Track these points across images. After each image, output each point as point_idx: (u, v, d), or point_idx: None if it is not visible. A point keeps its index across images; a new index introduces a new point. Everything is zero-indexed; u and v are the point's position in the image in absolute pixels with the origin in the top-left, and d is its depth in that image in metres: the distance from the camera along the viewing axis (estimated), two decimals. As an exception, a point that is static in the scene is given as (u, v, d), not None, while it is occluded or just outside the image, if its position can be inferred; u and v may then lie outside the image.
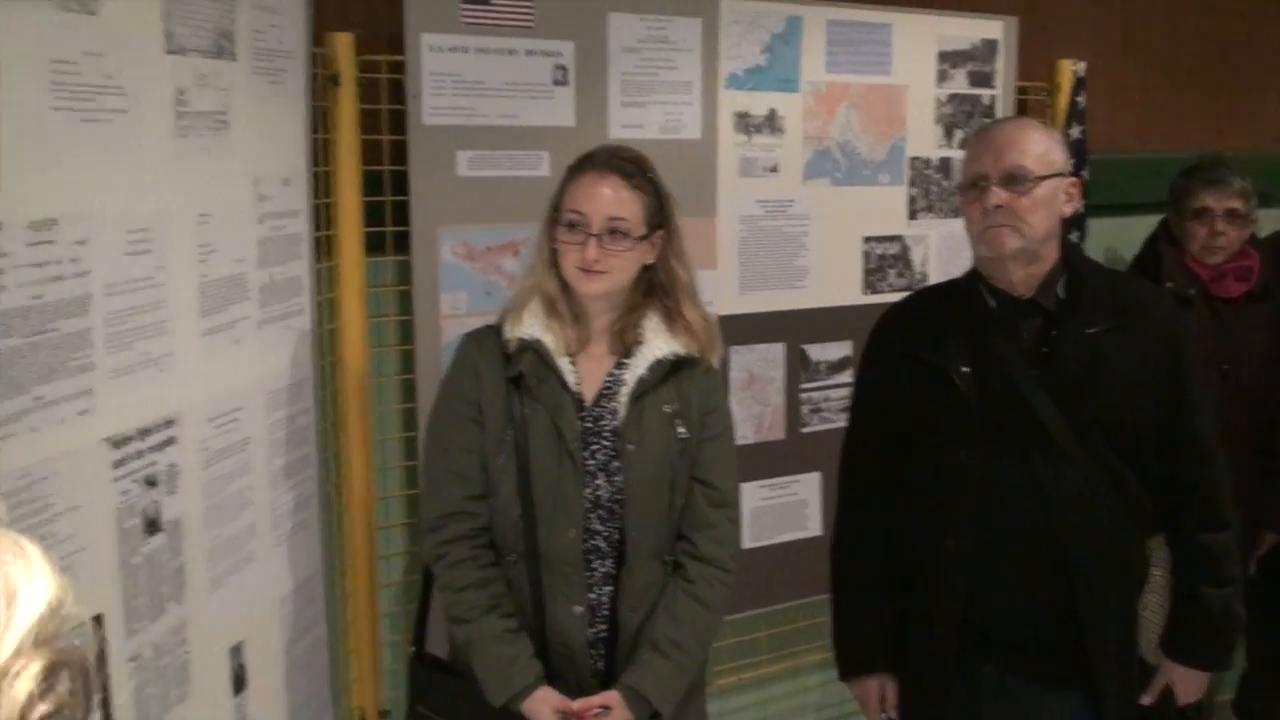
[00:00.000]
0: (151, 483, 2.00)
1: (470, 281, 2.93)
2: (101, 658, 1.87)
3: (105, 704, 1.88)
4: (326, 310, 2.75)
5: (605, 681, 2.34)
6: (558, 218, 2.29)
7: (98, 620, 1.87)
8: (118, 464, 1.91)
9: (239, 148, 2.23)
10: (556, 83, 3.00)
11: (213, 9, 2.10)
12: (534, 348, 2.29)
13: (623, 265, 2.27)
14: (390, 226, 2.85)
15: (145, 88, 1.92)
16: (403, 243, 2.86)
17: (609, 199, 2.25)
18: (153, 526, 2.01)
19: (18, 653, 0.56)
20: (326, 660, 2.66)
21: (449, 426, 2.34)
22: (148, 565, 1.99)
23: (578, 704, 2.29)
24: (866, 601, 2.55)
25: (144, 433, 1.97)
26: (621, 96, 3.10)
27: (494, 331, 2.35)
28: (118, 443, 1.91)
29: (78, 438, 1.81)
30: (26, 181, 1.68)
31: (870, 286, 3.58)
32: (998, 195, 2.29)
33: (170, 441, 2.05)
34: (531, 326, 2.30)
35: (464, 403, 2.32)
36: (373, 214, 2.82)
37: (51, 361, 1.74)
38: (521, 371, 2.28)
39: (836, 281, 3.52)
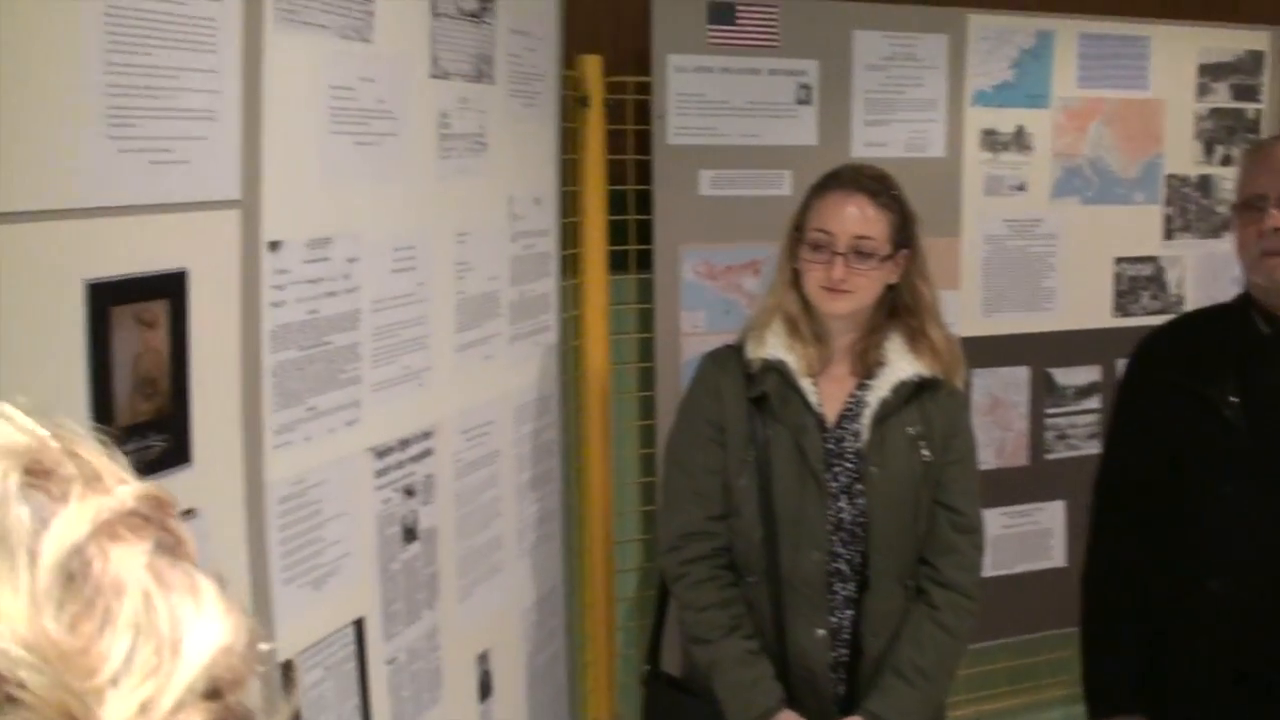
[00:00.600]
0: (410, 492, 2.07)
1: (710, 300, 2.94)
2: (361, 660, 1.94)
3: (364, 705, 1.95)
4: (571, 327, 2.80)
5: (846, 707, 2.30)
6: (800, 237, 2.27)
7: (359, 624, 1.94)
8: (380, 473, 1.98)
9: (495, 168, 2.29)
10: (800, 101, 2.99)
11: (474, 34, 2.17)
12: (777, 368, 2.28)
13: (868, 284, 2.24)
14: (633, 245, 2.88)
15: (412, 111, 2.00)
16: (645, 261, 2.89)
17: (855, 217, 2.23)
18: (410, 535, 2.08)
19: (178, 706, 0.49)
20: (565, 672, 2.70)
21: (691, 447, 2.34)
22: (405, 572, 2.06)
23: None
24: (1120, 639, 2.44)
25: (404, 443, 2.05)
26: (865, 114, 3.07)
27: (734, 351, 2.35)
28: (381, 453, 1.98)
29: (345, 447, 1.89)
30: (306, 202, 1.76)
31: (1121, 309, 3.44)
32: (1276, 217, 2.16)
33: (428, 453, 2.12)
34: (774, 347, 2.29)
35: (706, 423, 2.32)
36: (616, 233, 2.86)
37: (324, 374, 1.82)
38: (765, 392, 2.27)
39: (1085, 303, 3.39)
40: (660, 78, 2.84)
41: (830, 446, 2.28)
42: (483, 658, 2.34)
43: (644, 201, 2.88)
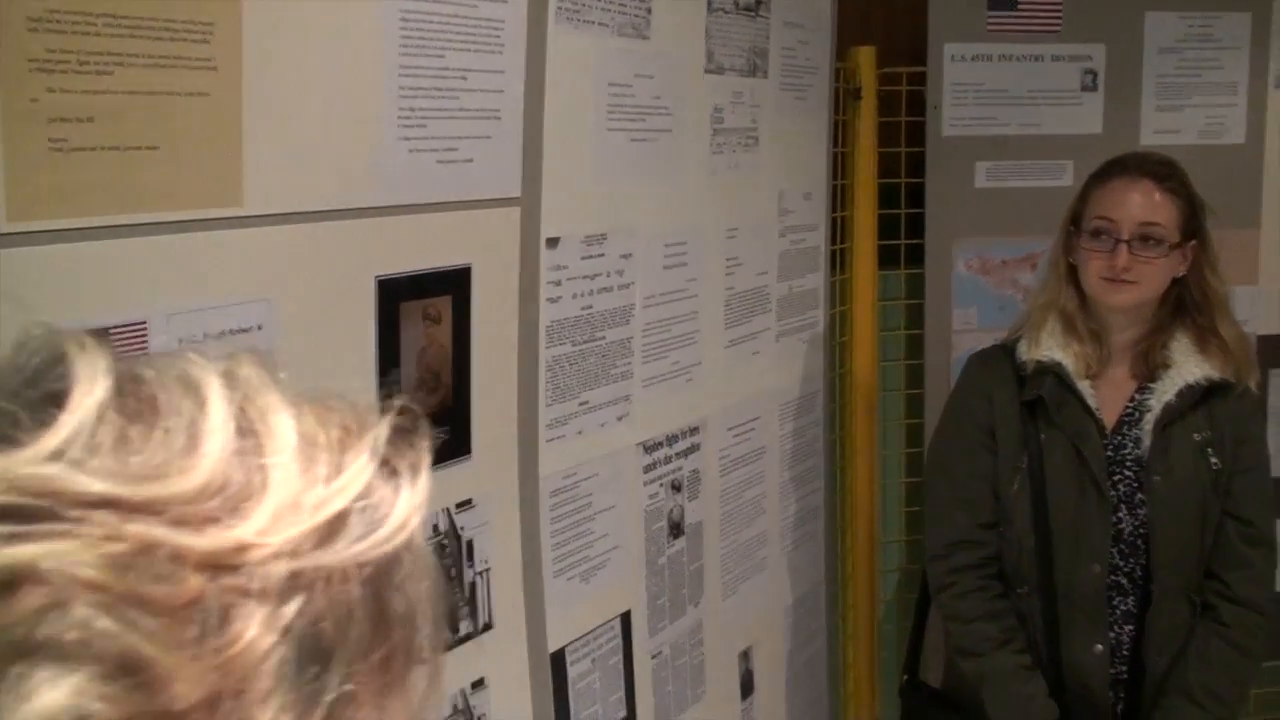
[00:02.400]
0: (677, 487, 2.08)
1: (983, 295, 2.84)
2: (627, 654, 1.96)
3: (629, 698, 1.97)
4: (838, 323, 2.75)
5: (1124, 726, 2.19)
6: (1078, 229, 2.16)
7: (625, 617, 1.95)
8: (648, 468, 1.99)
9: (766, 163, 2.27)
10: (1085, 88, 2.85)
11: (749, 28, 2.15)
12: (1053, 370, 2.17)
13: (1154, 274, 2.11)
14: (904, 239, 2.81)
15: (687, 107, 1.99)
16: (916, 255, 2.81)
17: (1140, 204, 2.10)
18: (676, 530, 2.08)
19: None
20: (825, 673, 2.66)
21: (958, 451, 2.26)
22: (670, 567, 2.06)
23: None
24: None
25: (672, 439, 2.05)
26: (1156, 100, 2.90)
27: (1004, 352, 2.25)
28: (650, 448, 1.99)
29: (616, 441, 1.90)
30: (583, 199, 1.78)
31: None
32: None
33: (694, 449, 2.12)
34: (1050, 347, 2.18)
35: (975, 427, 2.23)
36: (886, 227, 2.80)
37: (597, 369, 1.84)
38: (1041, 395, 2.17)
39: (1401, 303, 3.12)
40: (936, 67, 2.76)
41: (1109, 453, 2.16)
42: (745, 655, 2.33)
43: (916, 195, 2.80)
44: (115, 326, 1.14)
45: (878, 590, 2.88)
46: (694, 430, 2.11)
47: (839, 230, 2.71)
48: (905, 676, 2.45)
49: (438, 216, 1.52)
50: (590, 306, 1.82)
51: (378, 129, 1.41)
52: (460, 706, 1.62)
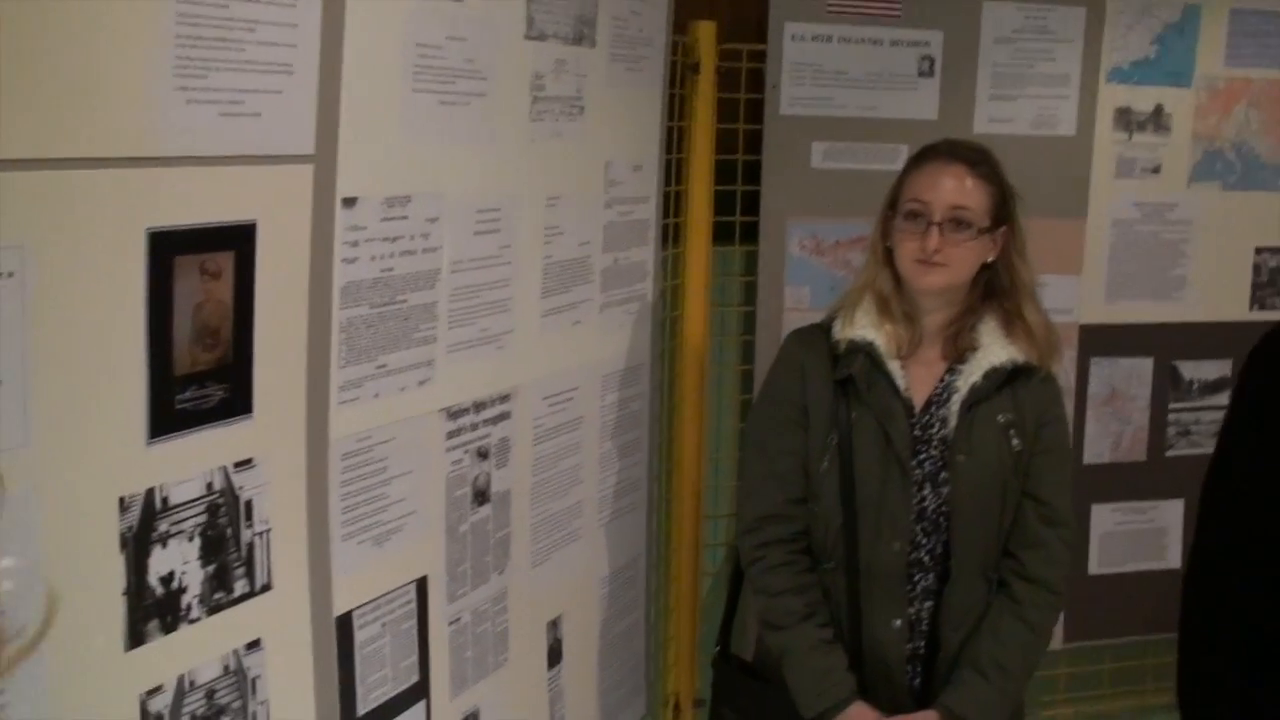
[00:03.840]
0: (483, 455, 2.07)
1: (816, 275, 2.87)
2: (422, 619, 1.95)
3: (423, 663, 1.96)
4: (670, 297, 2.76)
5: (921, 700, 2.23)
6: (895, 211, 2.20)
7: (421, 583, 1.95)
8: (452, 434, 1.98)
9: (592, 133, 2.26)
10: (921, 74, 2.90)
11: (575, -4, 2.14)
12: (865, 349, 2.21)
13: (963, 258, 2.16)
14: (740, 216, 2.83)
15: (504, 72, 1.98)
16: (751, 233, 2.83)
17: (952, 188, 2.15)
18: (481, 497, 2.08)
19: None
20: (643, 645, 2.68)
21: (771, 428, 2.28)
22: (473, 534, 2.06)
23: None
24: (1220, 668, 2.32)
25: (479, 406, 2.04)
26: (991, 89, 2.96)
27: (821, 331, 2.28)
28: (454, 414, 1.98)
29: (416, 406, 1.89)
30: (385, 159, 1.75)
31: (1259, 302, 3.27)
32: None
33: (504, 416, 2.11)
34: (864, 327, 2.21)
35: (788, 403, 2.26)
36: (722, 203, 2.81)
37: (397, 332, 1.83)
38: (851, 374, 2.21)
39: (1219, 294, 3.24)
40: (776, 46, 2.78)
41: (917, 433, 2.21)
42: (554, 624, 2.33)
43: (753, 172, 2.82)
44: None
45: (702, 563, 2.91)
46: (505, 398, 2.11)
47: (673, 204, 2.72)
48: (717, 648, 2.48)
49: (220, 170, 1.49)
50: (391, 269, 1.80)
51: (150, 78, 1.37)
52: (233, 667, 1.60)
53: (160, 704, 1.50)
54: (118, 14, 1.33)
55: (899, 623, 2.21)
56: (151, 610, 1.48)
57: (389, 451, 1.85)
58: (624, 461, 2.54)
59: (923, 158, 2.22)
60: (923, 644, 2.23)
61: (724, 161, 2.81)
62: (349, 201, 1.70)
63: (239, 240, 1.54)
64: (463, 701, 2.07)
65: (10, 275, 1.26)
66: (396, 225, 1.80)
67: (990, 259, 2.20)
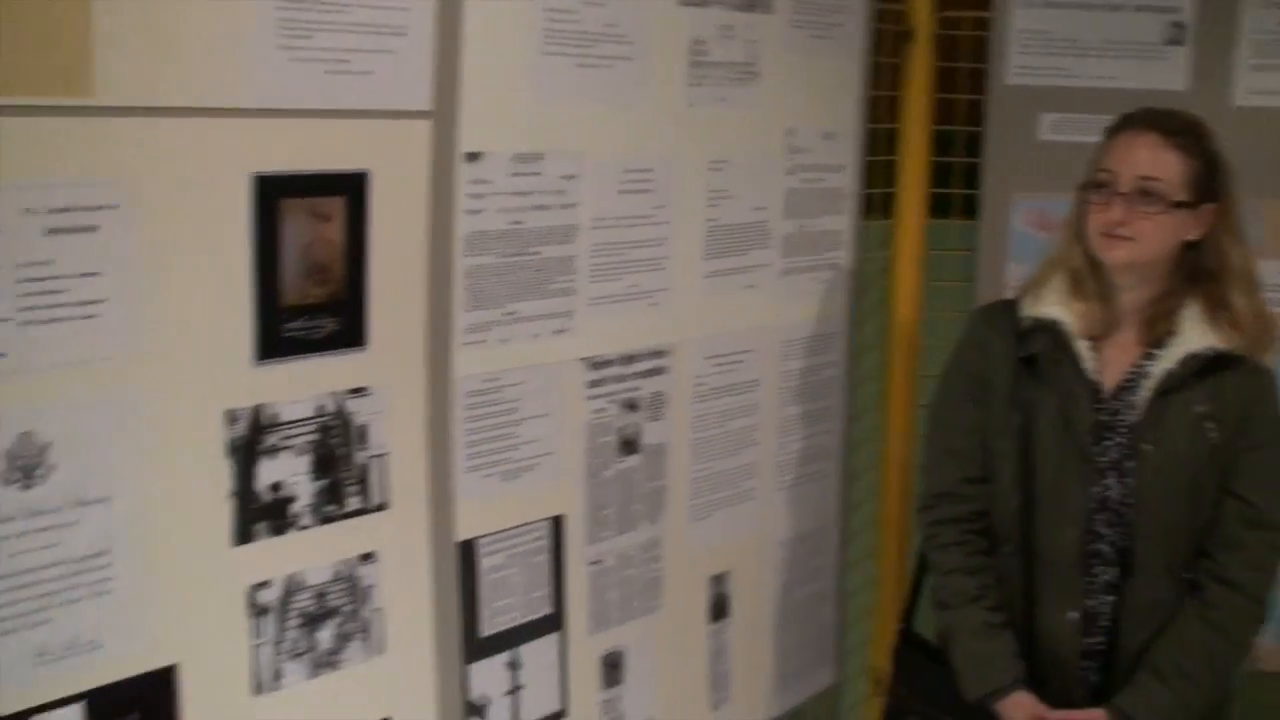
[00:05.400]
0: (632, 406, 2.16)
1: (1041, 252, 2.76)
2: (557, 556, 2.07)
3: (557, 597, 2.08)
4: (881, 268, 2.75)
5: (1098, 698, 2.13)
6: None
7: (557, 521, 2.06)
8: (594, 384, 2.09)
9: (768, 99, 2.30)
10: (1170, 42, 2.73)
11: (743, -35, 2.19)
12: (1051, 328, 2.13)
13: (1152, 232, 2.03)
14: (959, 189, 2.77)
15: (653, 37, 2.05)
16: (970, 206, 2.77)
17: (1143, 158, 2.03)
18: (629, 447, 2.17)
19: None
20: (831, 614, 2.69)
21: (951, 404, 2.24)
22: (620, 481, 2.16)
23: (1055, 715, 2.11)
24: None
25: (627, 359, 2.13)
26: (1251, 58, 2.74)
27: (1008, 307, 2.22)
28: (596, 364, 2.09)
29: (551, 354, 2.01)
30: (512, 119, 1.88)
31: None
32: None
33: (658, 371, 2.20)
34: (1050, 304, 2.13)
35: (969, 379, 2.21)
36: (941, 175, 2.77)
37: (529, 282, 1.95)
38: (1035, 353, 2.13)
39: None
40: (1002, 13, 2.70)
41: (1104, 418, 2.10)
42: (719, 579, 2.39)
43: (974, 144, 2.75)
44: (-50, 191, 1.34)
45: (909, 542, 2.87)
46: (659, 354, 2.19)
47: (885, 175, 2.70)
48: (900, 628, 2.46)
49: (328, 123, 1.66)
50: (520, 222, 1.92)
51: (252, 36, 1.55)
52: (344, 575, 1.78)
53: (268, 597, 1.69)
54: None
55: (1075, 615, 2.12)
56: (259, 514, 1.67)
57: (520, 394, 1.97)
58: (811, 428, 2.55)
59: (1118, 126, 2.12)
60: (1102, 640, 2.13)
61: (943, 132, 2.76)
62: (473, 156, 1.84)
63: (350, 187, 1.71)
64: (604, 640, 2.17)
65: (114, 207, 1.47)
66: (528, 181, 1.92)
67: (1193, 238, 2.07)
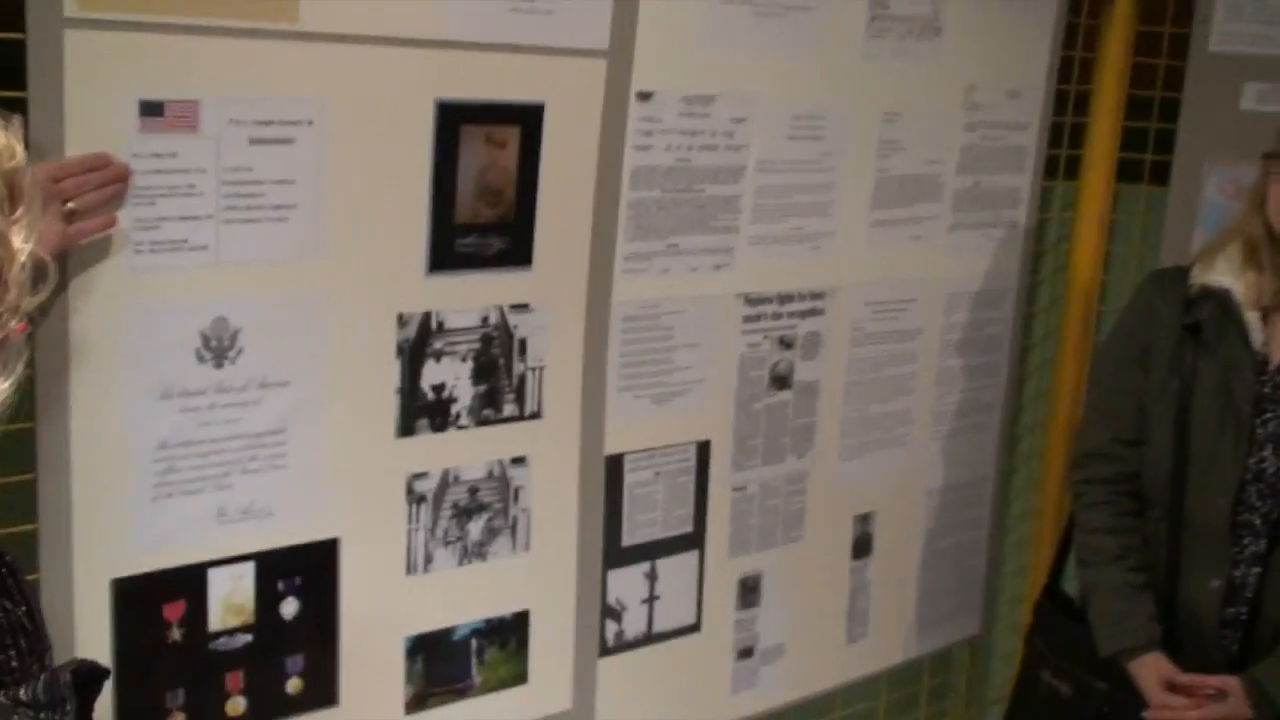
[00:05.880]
0: (787, 344, 2.25)
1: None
2: (701, 479, 2.19)
3: (699, 517, 2.20)
4: (1060, 228, 2.75)
5: (1234, 667, 2.14)
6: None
7: (703, 446, 2.18)
8: (750, 319, 2.19)
9: (949, 55, 2.33)
10: (1406, 12, 2.62)
11: (934, -78, 2.23)
12: (1220, 296, 2.12)
13: None
14: (1151, 154, 2.74)
15: (834, -10, 2.12)
16: (1162, 173, 2.73)
17: None
18: (781, 382, 2.26)
19: None
20: (983, 564, 2.73)
21: (1110, 365, 2.26)
22: (769, 414, 2.26)
23: (1187, 679, 2.13)
24: None
25: (784, 298, 2.23)
26: None
27: (1181, 274, 2.21)
28: (753, 301, 2.18)
29: (708, 286, 2.12)
30: (685, 61, 1.98)
31: None
32: None
33: (815, 312, 2.28)
34: (1222, 272, 2.12)
35: (1130, 343, 2.22)
36: (1136, 140, 2.73)
37: (690, 217, 2.06)
38: (1199, 320, 2.13)
39: None
40: (1209, -24, 2.64)
41: (1266, 390, 2.09)
42: (864, 519, 2.47)
43: (1171, 110, 2.71)
44: (170, 100, 1.53)
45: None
46: (817, 295, 2.27)
47: (1074, 136, 2.69)
48: (1046, 583, 2.50)
49: (509, 57, 1.80)
50: (688, 160, 2.03)
51: (446, -25, 1.70)
52: (496, 474, 1.94)
53: (425, 486, 1.87)
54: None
55: (1217, 583, 2.12)
56: (422, 410, 1.85)
57: (676, 323, 2.09)
58: (972, 382, 2.59)
59: None
60: (1244, 610, 2.13)
61: (1139, 97, 2.73)
62: (644, 95, 1.95)
63: (526, 118, 1.85)
64: (742, 563, 2.29)
65: (309, 123, 1.65)
66: (696, 121, 2.02)
67: None
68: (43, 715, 0.81)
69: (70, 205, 1.44)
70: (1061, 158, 2.68)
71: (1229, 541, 2.09)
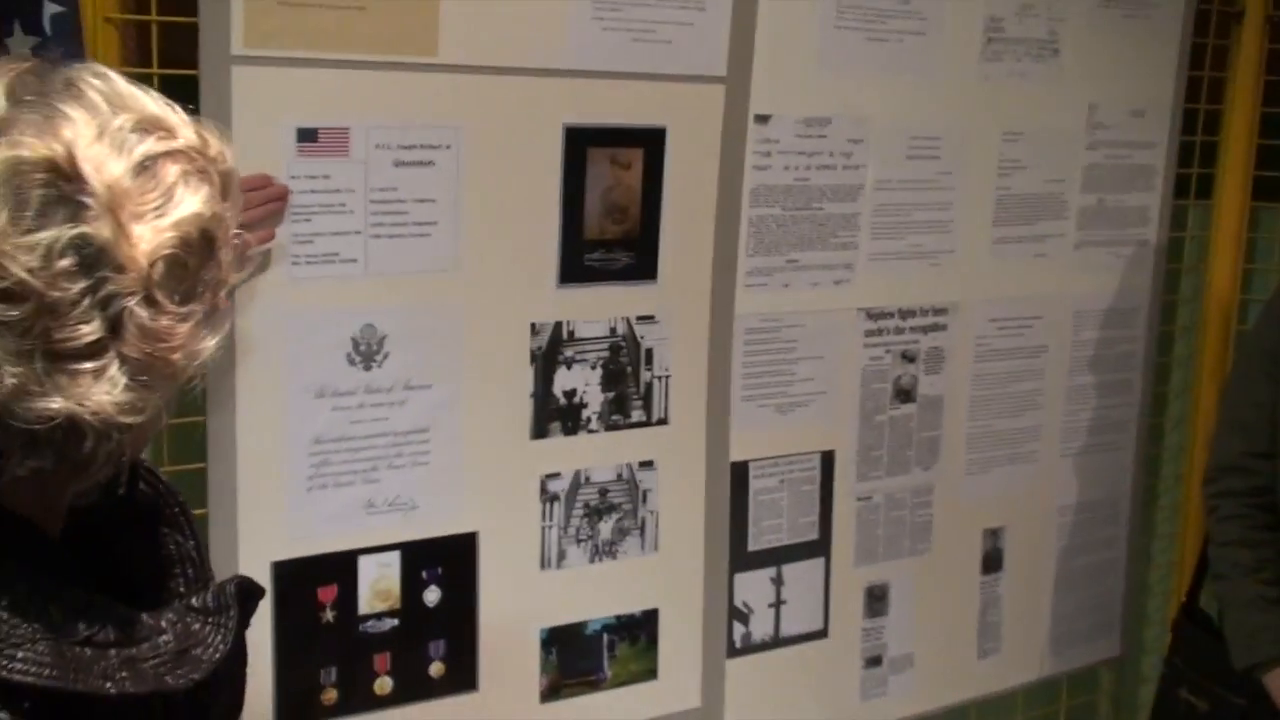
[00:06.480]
0: (909, 358, 2.33)
1: (1373, 238, 2.69)
2: (826, 488, 2.27)
3: (824, 525, 2.28)
4: (1198, 248, 2.76)
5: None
6: None
7: (827, 456, 2.26)
8: (871, 333, 2.27)
9: (1068, 75, 2.39)
10: None
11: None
12: None
13: None
14: (1288, 172, 2.74)
15: (947, 14, 2.21)
16: (1304, 191, 2.73)
17: None
18: (905, 395, 2.33)
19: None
20: (1121, 586, 2.73)
21: (1242, 377, 2.26)
22: (892, 426, 2.33)
23: None
24: None
25: (905, 313, 2.30)
26: None
27: None
28: (875, 315, 2.27)
29: (830, 301, 2.21)
30: (801, 85, 2.10)
31: None
32: None
33: (938, 327, 2.35)
34: None
35: (1261, 354, 2.22)
36: (1268, 158, 2.74)
37: (810, 234, 2.16)
38: None
39: None
40: (1342, -7, 2.64)
41: None
42: (994, 533, 2.51)
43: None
44: (324, 127, 1.71)
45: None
46: (940, 311, 2.34)
47: (1198, 155, 2.71)
48: (1184, 601, 2.49)
49: (632, 84, 1.94)
50: (806, 179, 2.14)
51: (571, 10, 1.85)
52: (625, 476, 2.06)
53: (558, 486, 2.00)
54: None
55: (1354, 597, 2.11)
56: (554, 414, 1.98)
57: (798, 335, 2.19)
58: (1105, 400, 2.61)
59: None
60: (1386, 621, 2.12)
61: (1273, 115, 2.73)
62: (762, 118, 2.07)
63: (649, 140, 1.98)
64: (869, 572, 2.35)
65: (448, 147, 1.81)
66: (814, 142, 2.13)
67: None
68: (211, 619, 0.95)
69: None
70: (1192, 176, 2.70)
71: (1363, 553, 2.08)
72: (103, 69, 0.83)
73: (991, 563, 2.52)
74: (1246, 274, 2.81)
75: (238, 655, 0.99)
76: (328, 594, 1.83)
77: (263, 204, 1.66)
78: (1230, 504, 2.22)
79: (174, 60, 1.71)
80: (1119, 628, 2.76)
